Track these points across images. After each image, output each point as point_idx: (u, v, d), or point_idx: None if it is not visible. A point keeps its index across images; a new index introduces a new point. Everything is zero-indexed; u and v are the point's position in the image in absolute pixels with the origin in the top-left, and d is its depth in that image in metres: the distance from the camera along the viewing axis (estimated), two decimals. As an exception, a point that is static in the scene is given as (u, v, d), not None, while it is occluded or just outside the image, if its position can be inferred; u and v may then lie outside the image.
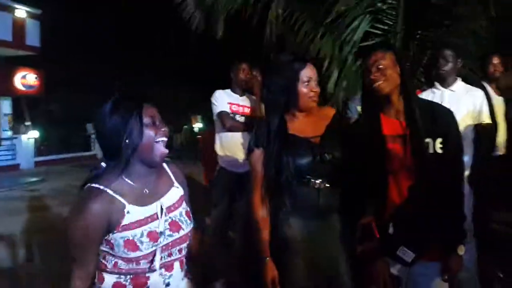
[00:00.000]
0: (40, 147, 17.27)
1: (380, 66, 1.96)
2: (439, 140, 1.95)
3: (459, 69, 3.56)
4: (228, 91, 3.99)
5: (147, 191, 1.60)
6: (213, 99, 3.91)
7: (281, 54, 2.35)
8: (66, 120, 19.90)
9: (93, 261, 1.54)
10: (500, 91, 3.89)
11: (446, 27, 4.82)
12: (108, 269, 1.55)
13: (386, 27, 4.89)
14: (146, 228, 1.53)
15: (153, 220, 1.56)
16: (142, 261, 1.53)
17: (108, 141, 1.54)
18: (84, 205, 1.49)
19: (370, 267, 2.00)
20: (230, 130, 3.82)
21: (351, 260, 2.09)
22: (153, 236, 1.54)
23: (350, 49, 4.87)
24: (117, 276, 1.55)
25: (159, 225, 1.56)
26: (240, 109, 3.91)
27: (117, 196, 1.52)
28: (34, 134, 16.61)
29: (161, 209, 1.60)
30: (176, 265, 1.65)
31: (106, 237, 1.51)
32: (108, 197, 1.50)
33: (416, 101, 2.04)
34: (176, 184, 1.72)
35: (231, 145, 3.87)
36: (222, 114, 3.83)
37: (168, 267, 1.61)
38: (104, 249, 1.54)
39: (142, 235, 1.51)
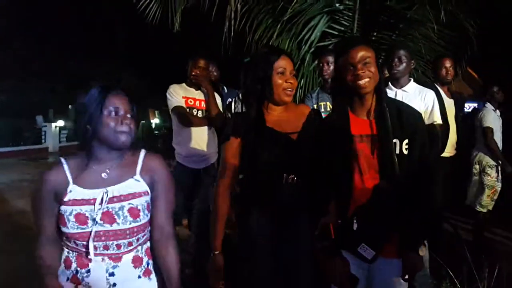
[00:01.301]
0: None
1: (367, 62, 1.90)
2: (405, 141, 1.94)
3: (412, 71, 3.66)
4: (184, 85, 3.87)
5: (106, 175, 1.68)
6: (168, 94, 3.79)
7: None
8: (15, 112, 18.94)
9: (49, 227, 1.66)
10: (451, 94, 4.02)
11: (400, 30, 4.94)
12: (63, 242, 1.68)
13: (342, 28, 4.95)
14: (76, 209, 1.61)
15: (88, 204, 1.62)
16: (78, 242, 1.62)
17: (78, 124, 1.67)
18: (43, 174, 1.67)
19: (329, 265, 1.99)
20: (186, 125, 3.73)
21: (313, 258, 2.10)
22: (80, 219, 1.60)
23: (308, 49, 4.90)
24: (67, 250, 1.67)
25: (93, 211, 1.61)
26: (197, 104, 3.82)
27: (68, 174, 1.65)
28: (-20, 126, 15.75)
29: (102, 197, 1.64)
30: (126, 258, 1.67)
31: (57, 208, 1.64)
32: (61, 171, 1.66)
33: (386, 101, 2.00)
34: (137, 176, 1.71)
35: (187, 141, 3.76)
36: (177, 109, 3.74)
37: (114, 258, 1.65)
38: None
39: (70, 214, 1.60)
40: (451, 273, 3.27)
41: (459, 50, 4.95)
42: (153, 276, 1.76)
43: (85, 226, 1.60)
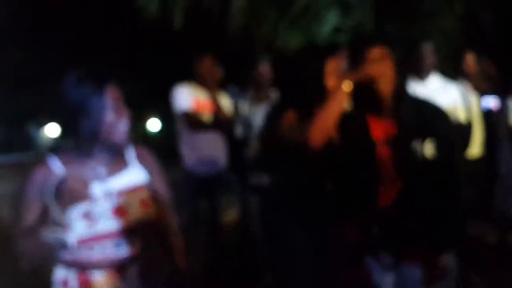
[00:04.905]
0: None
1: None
2: (429, 142, 1.83)
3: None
4: (191, 85, 3.64)
5: (102, 171, 1.53)
6: (174, 95, 3.57)
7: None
8: (5, 120, 18.79)
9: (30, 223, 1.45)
10: (474, 89, 3.82)
11: (414, 24, 4.78)
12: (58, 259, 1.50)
13: (355, 23, 4.78)
14: (81, 207, 1.44)
15: (94, 199, 1.47)
16: (84, 247, 1.45)
17: (69, 118, 1.50)
18: (30, 175, 1.50)
19: (350, 273, 1.99)
20: (195, 129, 3.53)
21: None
22: (89, 217, 1.44)
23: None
24: (65, 269, 1.50)
25: (100, 206, 1.47)
26: (206, 105, 3.60)
27: (61, 168, 1.49)
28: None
29: (107, 191, 1.50)
30: (131, 273, 1.51)
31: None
32: (51, 166, 1.49)
33: (407, 101, 1.90)
34: (134, 165, 1.62)
35: (196, 146, 3.56)
36: (185, 112, 3.51)
37: (119, 268, 1.49)
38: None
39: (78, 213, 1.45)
40: (479, 280, 3.21)
41: (475, 43, 4.78)
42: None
43: (93, 225, 1.45)
